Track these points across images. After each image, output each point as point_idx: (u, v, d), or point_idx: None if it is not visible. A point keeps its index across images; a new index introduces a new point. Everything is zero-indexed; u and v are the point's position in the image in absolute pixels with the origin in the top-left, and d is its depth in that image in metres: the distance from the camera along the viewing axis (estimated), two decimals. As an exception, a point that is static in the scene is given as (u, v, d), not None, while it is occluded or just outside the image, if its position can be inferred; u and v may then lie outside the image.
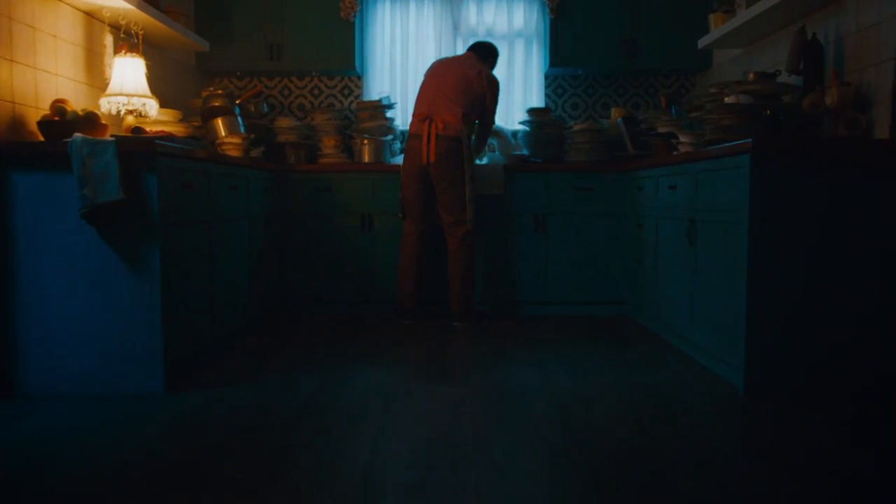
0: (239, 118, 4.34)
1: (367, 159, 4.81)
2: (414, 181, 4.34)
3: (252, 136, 4.28)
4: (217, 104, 4.34)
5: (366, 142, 4.79)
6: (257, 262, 4.19)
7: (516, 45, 5.33)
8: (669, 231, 3.83)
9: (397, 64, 5.35)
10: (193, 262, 3.22)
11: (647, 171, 4.21)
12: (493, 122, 4.60)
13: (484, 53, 4.58)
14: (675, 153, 3.85)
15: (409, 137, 4.35)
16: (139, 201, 2.84)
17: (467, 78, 4.37)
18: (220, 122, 4.24)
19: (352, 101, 5.41)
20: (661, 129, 4.27)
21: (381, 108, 5.04)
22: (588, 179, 4.72)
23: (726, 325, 3.05)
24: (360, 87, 5.40)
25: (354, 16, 4.97)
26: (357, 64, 5.09)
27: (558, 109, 5.39)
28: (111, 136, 2.91)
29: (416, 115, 4.39)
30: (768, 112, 3.19)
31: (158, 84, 4.45)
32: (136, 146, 2.82)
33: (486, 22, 5.32)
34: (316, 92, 5.41)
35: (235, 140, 4.02)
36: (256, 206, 4.18)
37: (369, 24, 5.34)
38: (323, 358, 3.51)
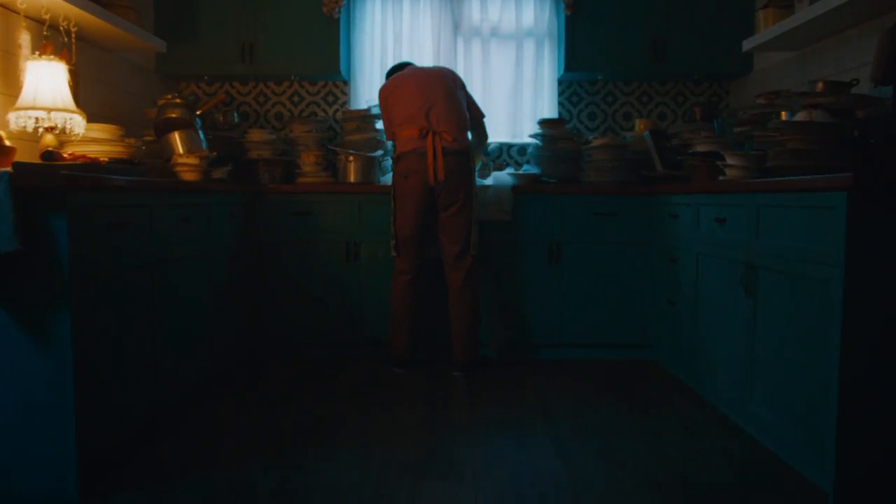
0: (200, 132, 3.66)
1: (353, 178, 4.12)
2: (416, 210, 3.67)
3: (214, 153, 3.59)
4: (173, 115, 3.66)
5: (352, 158, 4.11)
6: (220, 306, 3.51)
7: (525, 47, 4.65)
8: (716, 273, 3.16)
9: (387, 68, 4.65)
10: (126, 321, 2.54)
11: (684, 196, 3.54)
12: (483, 116, 3.98)
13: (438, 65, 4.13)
14: (721, 178, 3.18)
15: (406, 157, 3.68)
16: (43, 252, 2.16)
17: (448, 77, 3.83)
18: (176, 138, 3.56)
19: (337, 110, 4.73)
20: (701, 147, 3.60)
21: (370, 118, 4.36)
22: (610, 203, 4.05)
23: (802, 406, 2.38)
24: (346, 94, 4.72)
25: (339, 11, 4.29)
26: (342, 67, 4.41)
27: (573, 120, 4.72)
28: (14, 163, 2.22)
29: (409, 130, 3.71)
30: (856, 133, 2.52)
31: (106, 91, 3.77)
32: (35, 179, 2.14)
33: (490, 19, 4.64)
34: (296, 99, 4.73)
35: (191, 161, 3.34)
36: (219, 237, 3.50)
37: (357, 21, 4.66)
38: (291, 436, 2.82)
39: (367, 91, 4.67)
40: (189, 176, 3.36)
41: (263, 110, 4.73)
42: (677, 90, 4.70)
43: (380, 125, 4.47)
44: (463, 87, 3.85)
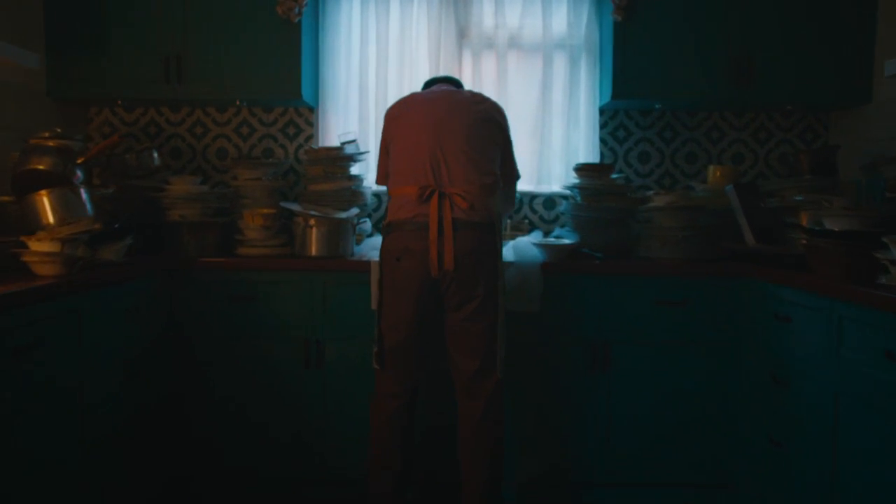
0: (83, 190, 2.45)
1: (315, 250, 2.91)
2: (413, 307, 2.47)
3: (97, 225, 2.37)
4: (40, 166, 2.45)
5: (313, 222, 2.89)
6: (105, 454, 2.29)
7: (556, 63, 3.45)
8: (876, 430, 1.96)
9: (370, 90, 3.45)
10: None
11: (806, 295, 2.34)
12: (518, 178, 2.80)
13: (459, 83, 2.88)
14: (884, 280, 1.98)
15: (399, 229, 2.48)
16: None
17: (484, 113, 2.59)
18: (44, 202, 2.35)
19: (299, 148, 3.51)
20: (833, 222, 2.39)
21: (341, 160, 3.15)
22: (678, 288, 2.85)
23: None
24: (312, 126, 3.51)
25: (299, 13, 3.08)
26: (306, 89, 3.20)
27: (618, 161, 3.51)
28: None
29: (406, 187, 2.52)
30: None
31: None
32: None
33: (508, 26, 3.43)
34: (244, 131, 3.51)
35: (45, 247, 2.12)
36: (104, 354, 2.29)
37: (328, 27, 3.45)
38: None
39: (340, 121, 3.47)
40: (46, 269, 2.14)
41: (201, 146, 3.51)
42: (758, 123, 3.49)
43: (356, 170, 3.28)
44: (503, 129, 2.64)
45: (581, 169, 3.14)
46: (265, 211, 2.95)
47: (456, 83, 2.80)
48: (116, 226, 2.53)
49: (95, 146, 2.66)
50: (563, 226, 3.33)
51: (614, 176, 3.18)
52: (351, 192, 3.15)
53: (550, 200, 3.49)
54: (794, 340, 2.45)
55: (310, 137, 3.49)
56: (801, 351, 2.41)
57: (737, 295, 2.84)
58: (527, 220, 3.43)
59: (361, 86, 3.44)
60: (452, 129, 2.51)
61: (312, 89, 3.38)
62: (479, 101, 2.62)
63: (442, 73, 3.39)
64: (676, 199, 2.93)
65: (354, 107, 3.46)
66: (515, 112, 3.42)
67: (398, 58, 3.44)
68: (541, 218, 3.50)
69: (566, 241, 2.98)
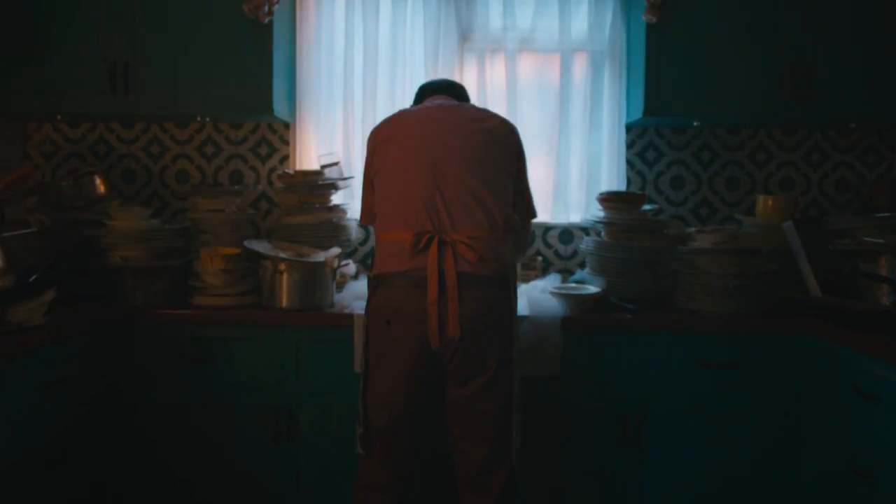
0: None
1: (286, 301, 2.39)
2: (407, 382, 1.96)
3: (2, 281, 1.86)
4: (-69, 207, 1.94)
5: (284, 267, 2.37)
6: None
7: (574, 71, 2.94)
8: None
9: (356, 103, 2.93)
10: None
11: (907, 376, 1.84)
12: (535, 215, 2.27)
13: (462, 92, 2.32)
14: None
15: (389, 284, 1.97)
16: None
17: (492, 134, 2.07)
18: (-67, 250, 1.84)
19: (273, 170, 2.99)
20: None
21: (321, 187, 2.64)
22: (726, 348, 2.35)
23: None
24: (287, 144, 2.99)
25: (269, 12, 2.56)
26: (277, 101, 2.68)
27: (647, 187, 2.99)
28: None
29: (398, 231, 2.01)
30: None
31: None
32: None
33: (518, 27, 2.92)
34: (208, 151, 2.99)
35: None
36: (13, 437, 1.78)
37: (305, 31, 2.93)
38: None
39: (322, 139, 2.95)
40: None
41: (158, 168, 2.99)
42: (811, 143, 2.98)
43: (339, 198, 2.78)
44: (517, 155, 2.12)
45: (606, 199, 2.62)
46: (227, 251, 2.43)
47: (457, 92, 2.28)
48: (32, 278, 2.00)
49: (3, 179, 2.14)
50: (583, 265, 2.81)
51: (646, 207, 2.66)
52: (332, 225, 2.64)
53: (568, 233, 2.98)
54: (885, 425, 1.94)
55: (285, 158, 2.97)
56: (894, 439, 1.90)
57: (800, 358, 2.33)
58: (540, 258, 2.91)
59: (346, 98, 2.92)
60: (453, 156, 2.00)
61: (287, 102, 2.86)
62: (487, 118, 2.10)
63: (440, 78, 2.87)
64: (723, 240, 2.41)
65: (338, 122, 2.94)
66: (527, 128, 2.91)
67: (389, 64, 2.92)
68: (556, 254, 2.99)
69: (590, 290, 2.46)
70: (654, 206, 2.72)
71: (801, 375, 2.33)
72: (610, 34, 2.91)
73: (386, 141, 2.10)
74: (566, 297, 2.39)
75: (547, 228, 2.97)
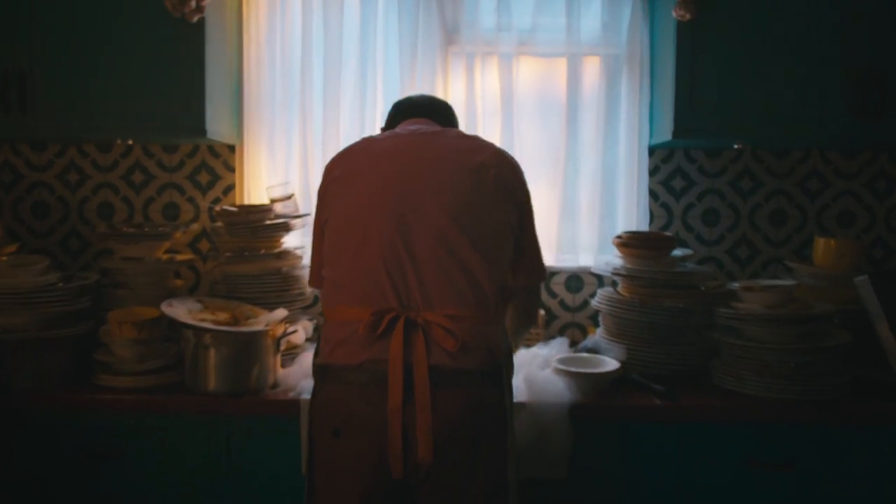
0: None
1: (213, 382, 1.84)
2: None
3: None
4: None
5: (209, 339, 1.83)
6: None
7: (585, 80, 2.39)
8: None
9: (315, 120, 2.39)
10: None
11: None
12: (544, 277, 1.70)
13: (449, 115, 1.78)
14: None
15: (337, 377, 1.45)
16: None
17: (483, 172, 1.53)
18: None
19: (216, 203, 2.45)
20: None
21: (267, 228, 2.11)
22: (783, 442, 1.82)
23: None
24: (233, 171, 2.44)
25: (199, 10, 2.01)
26: (214, 119, 2.14)
27: (673, 223, 2.44)
28: None
29: (348, 306, 1.50)
30: None
31: None
32: None
33: (515, 26, 2.37)
34: (136, 180, 2.45)
35: None
36: None
37: (252, 35, 2.38)
38: None
39: (277, 165, 2.41)
40: None
41: (77, 200, 2.45)
42: (876, 168, 2.42)
43: (292, 240, 2.23)
44: (517, 198, 1.57)
45: (626, 244, 2.07)
46: (141, 315, 1.89)
47: (442, 114, 1.75)
48: None
49: None
50: (595, 319, 2.24)
51: (676, 253, 2.11)
52: (281, 277, 2.11)
53: (577, 279, 2.44)
54: None
55: (230, 189, 2.43)
56: None
57: (881, 459, 1.79)
58: (542, 311, 2.36)
59: (304, 114, 2.38)
60: (430, 203, 1.48)
61: (233, 119, 2.33)
62: (478, 150, 1.56)
63: (419, 90, 2.33)
64: (778, 300, 1.87)
65: (294, 144, 2.40)
66: (527, 149, 2.39)
67: (357, 73, 2.38)
68: (562, 304, 2.44)
69: (605, 365, 1.91)
70: (686, 252, 2.16)
71: (883, 482, 1.79)
72: (629, 34, 2.36)
73: (340, 180, 1.57)
74: (575, 378, 1.84)
75: (551, 274, 2.42)
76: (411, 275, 1.44)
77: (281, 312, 1.95)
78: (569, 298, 2.43)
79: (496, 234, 1.51)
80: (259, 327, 1.85)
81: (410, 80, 2.36)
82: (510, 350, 1.55)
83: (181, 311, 1.88)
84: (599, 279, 2.38)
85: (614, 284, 2.18)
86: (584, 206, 2.41)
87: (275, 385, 1.90)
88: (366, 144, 1.62)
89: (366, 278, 1.46)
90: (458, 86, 2.41)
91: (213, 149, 2.42)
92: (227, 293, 2.08)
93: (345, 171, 1.58)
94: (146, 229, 2.15)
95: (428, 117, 1.71)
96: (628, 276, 2.03)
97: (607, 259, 2.19)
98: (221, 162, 2.42)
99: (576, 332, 2.42)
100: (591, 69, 2.40)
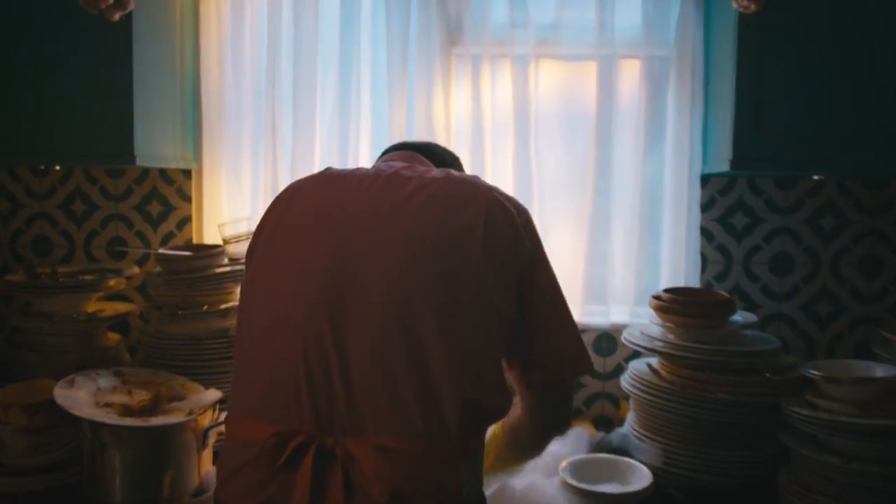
0: None
1: (118, 492, 1.42)
2: None
3: None
4: None
5: (108, 438, 1.41)
6: None
7: (618, 87, 1.88)
8: None
9: (285, 140, 1.95)
10: None
11: None
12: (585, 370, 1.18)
13: (445, 160, 1.32)
14: None
15: None
16: None
17: (460, 230, 1.06)
18: None
19: (168, 239, 2.03)
20: None
21: (211, 279, 1.68)
22: None
23: None
24: (189, 201, 2.02)
25: (119, 8, 1.59)
26: (148, 138, 1.73)
27: (731, 271, 1.91)
28: None
29: (246, 419, 1.05)
30: None
31: None
32: None
33: (535, 22, 1.88)
34: (77, 210, 2.05)
35: None
36: None
37: (208, 38, 1.95)
38: None
39: (241, 193, 1.98)
40: None
41: (8, 234, 2.07)
42: None
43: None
44: (526, 267, 1.10)
45: (667, 308, 1.57)
46: (36, 395, 1.49)
47: (435, 155, 1.31)
48: None
49: None
50: (624, 423, 1.73)
51: (736, 319, 1.60)
52: (227, 342, 1.67)
53: (608, 339, 1.94)
54: None
55: (185, 222, 2.02)
56: None
57: None
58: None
59: (274, 130, 1.94)
60: (373, 278, 1.03)
61: (183, 139, 1.91)
62: (462, 199, 1.10)
63: (414, 99, 1.88)
64: (875, 396, 1.35)
65: (260, 168, 1.97)
66: (547, 175, 1.92)
67: (337, 79, 1.93)
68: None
69: (635, 478, 1.42)
70: (749, 319, 1.64)
71: None
72: (678, 31, 1.85)
73: (268, 232, 1.14)
74: (589, 498, 1.36)
75: (574, 332, 1.93)
76: (338, 382, 0.99)
77: (213, 394, 1.52)
78: (598, 363, 1.94)
79: (477, 328, 1.04)
80: (175, 419, 1.42)
81: (400, 90, 1.90)
82: (482, 501, 1.08)
83: (83, 392, 1.47)
84: (635, 348, 1.87)
85: (651, 367, 1.68)
86: (617, 247, 1.92)
87: (199, 491, 1.47)
88: (318, 181, 1.17)
89: (275, 381, 1.02)
90: (461, 95, 1.95)
91: (165, 173, 2.00)
92: (160, 360, 1.67)
93: (277, 219, 1.14)
94: (78, 276, 1.75)
95: (417, 153, 1.27)
96: (668, 352, 1.53)
97: (642, 324, 1.69)
98: (175, 189, 2.01)
99: (606, 406, 1.93)
100: (629, 75, 1.90)
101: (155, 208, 2.02)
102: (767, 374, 1.49)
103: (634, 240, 1.90)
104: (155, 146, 1.76)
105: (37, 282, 1.71)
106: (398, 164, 1.18)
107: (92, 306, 1.81)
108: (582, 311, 1.91)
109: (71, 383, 1.49)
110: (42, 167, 1.95)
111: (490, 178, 1.91)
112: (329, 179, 1.15)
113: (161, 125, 1.80)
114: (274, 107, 1.94)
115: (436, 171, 1.15)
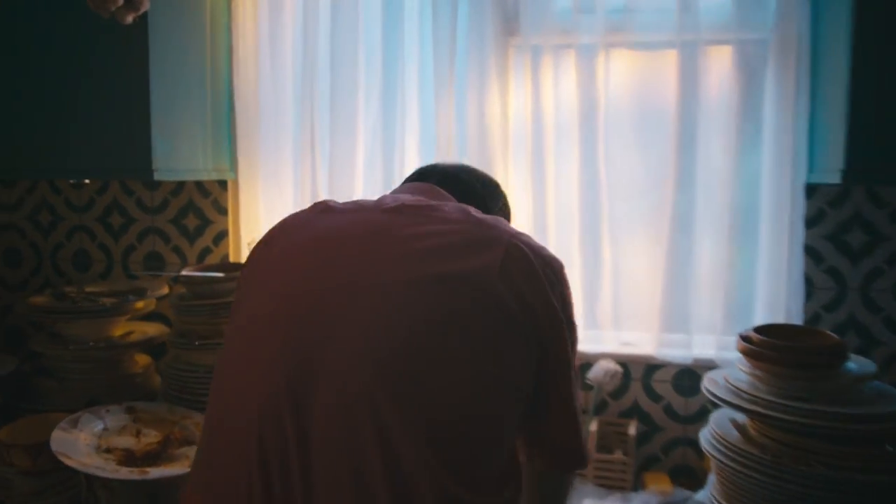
0: None
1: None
2: None
3: None
4: None
5: (100, 490, 1.27)
6: None
7: (705, 80, 1.58)
8: None
9: (324, 147, 1.76)
10: None
11: None
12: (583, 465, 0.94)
13: (472, 185, 1.06)
14: None
15: None
16: None
17: (463, 291, 0.84)
18: None
19: (204, 254, 1.90)
20: None
21: (229, 304, 1.51)
22: None
23: None
24: (225, 214, 1.88)
25: (126, 9, 1.44)
26: (163, 149, 1.58)
27: (846, 299, 1.58)
28: None
29: (193, 495, 0.84)
30: None
31: None
32: None
33: (603, 6, 1.60)
34: (115, 223, 1.95)
35: None
36: None
37: (244, 35, 1.78)
38: None
39: (285, 207, 1.81)
40: None
41: (49, 247, 1.99)
42: None
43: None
44: (549, 335, 0.88)
45: (759, 353, 1.27)
46: (41, 435, 1.38)
47: (462, 187, 1.08)
48: None
49: None
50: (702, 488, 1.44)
51: (850, 369, 1.28)
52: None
53: (690, 375, 1.65)
54: None
55: (222, 236, 1.87)
56: None
57: None
58: (633, 428, 1.59)
59: (313, 135, 1.77)
60: (343, 344, 0.83)
61: (217, 149, 1.77)
62: (473, 245, 0.88)
63: (463, 98, 1.66)
64: None
65: (302, 177, 1.79)
66: (618, 183, 1.65)
67: (381, 82, 1.72)
68: (668, 411, 1.66)
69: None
70: (866, 369, 1.31)
71: None
72: (778, 11, 1.53)
73: (245, 278, 0.95)
74: None
75: (649, 368, 1.65)
76: (297, 475, 0.80)
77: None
78: (678, 403, 1.66)
79: (477, 406, 0.82)
80: (175, 470, 1.27)
81: (448, 86, 1.67)
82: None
83: (85, 434, 1.34)
84: (715, 400, 1.57)
85: (737, 425, 1.38)
86: (703, 268, 1.62)
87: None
88: (306, 219, 0.98)
89: (227, 460, 0.84)
90: (520, 92, 1.70)
91: (202, 185, 1.87)
92: (178, 392, 1.53)
93: (254, 262, 0.97)
94: (99, 299, 1.64)
95: (438, 185, 1.05)
96: (758, 411, 1.23)
97: (729, 362, 1.40)
98: (211, 202, 1.87)
99: (688, 455, 1.65)
100: (718, 64, 1.59)
101: (191, 222, 1.88)
102: (889, 449, 1.18)
103: (723, 259, 1.60)
104: (180, 158, 1.62)
105: (57, 305, 1.60)
106: (408, 198, 0.97)
107: (121, 328, 1.70)
108: (659, 340, 1.64)
109: (74, 423, 1.37)
110: (74, 182, 1.86)
111: (553, 188, 1.68)
112: (317, 218, 0.96)
113: (188, 135, 1.66)
114: (313, 110, 1.76)
115: (446, 209, 0.93)
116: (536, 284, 0.86)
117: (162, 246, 1.90)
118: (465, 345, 0.81)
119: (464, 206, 0.96)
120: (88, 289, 1.72)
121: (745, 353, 1.29)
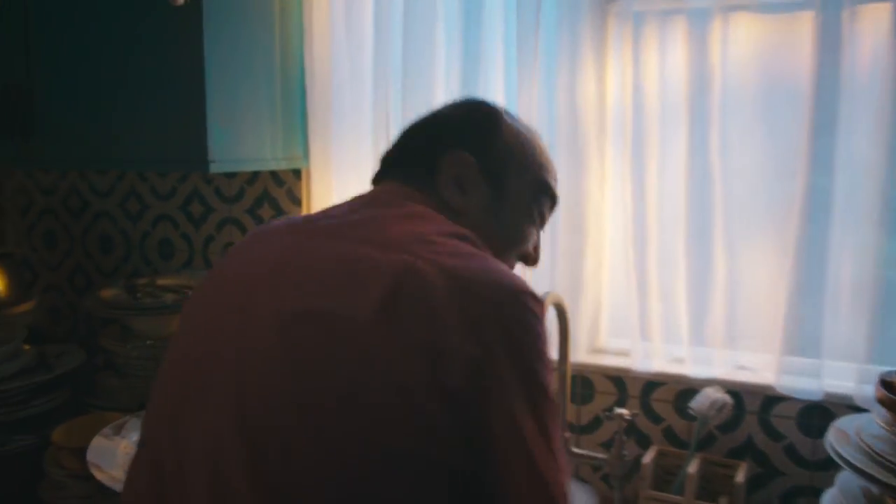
0: None
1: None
2: None
3: None
4: None
5: None
6: None
7: (850, 47, 1.26)
8: None
9: (393, 130, 1.60)
10: None
11: None
12: None
13: (437, 140, 0.85)
14: None
15: None
16: None
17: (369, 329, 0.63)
18: None
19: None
20: None
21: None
22: None
23: None
24: (299, 204, 1.77)
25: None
26: (222, 140, 1.48)
27: None
28: None
29: None
30: None
31: None
32: None
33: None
34: (195, 212, 1.90)
35: None
36: None
37: (318, 16, 1.64)
38: None
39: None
40: None
41: (138, 234, 1.98)
42: None
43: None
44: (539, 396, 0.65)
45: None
46: (86, 440, 1.34)
47: (417, 159, 0.88)
48: None
49: None
50: None
51: None
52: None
53: (819, 413, 1.35)
54: None
55: (294, 228, 1.77)
56: None
57: None
58: (742, 472, 1.33)
59: (389, 119, 1.62)
60: (213, 399, 0.68)
61: (288, 137, 1.66)
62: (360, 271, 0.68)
63: (554, 75, 1.46)
64: None
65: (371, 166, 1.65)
66: (735, 173, 1.39)
67: (461, 58, 1.53)
68: (790, 453, 1.37)
69: None
70: None
71: None
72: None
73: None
74: None
75: (768, 399, 1.37)
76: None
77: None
78: (804, 446, 1.37)
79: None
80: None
81: (533, 62, 1.46)
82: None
83: (126, 442, 1.28)
84: (853, 463, 1.27)
85: (873, 480, 1.09)
86: (840, 280, 1.32)
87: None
88: (268, 233, 0.83)
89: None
90: (621, 67, 1.45)
91: (276, 174, 1.77)
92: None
93: (196, 293, 0.84)
94: (161, 295, 1.59)
95: (399, 172, 0.89)
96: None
97: (862, 423, 1.11)
98: (286, 192, 1.77)
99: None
100: (869, 27, 1.27)
101: (266, 212, 1.80)
102: None
103: (868, 271, 1.29)
104: (242, 147, 1.52)
105: (120, 300, 1.56)
106: (355, 209, 0.81)
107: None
108: (780, 365, 1.35)
109: (118, 429, 1.32)
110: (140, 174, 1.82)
111: (655, 183, 1.42)
112: (279, 232, 0.80)
113: (253, 122, 1.55)
114: (388, 92, 1.60)
115: (385, 218, 0.76)
116: (439, 327, 0.62)
117: (239, 236, 1.83)
118: (359, 400, 0.61)
119: (419, 209, 0.77)
120: (161, 281, 1.68)
121: (884, 403, 1.01)
